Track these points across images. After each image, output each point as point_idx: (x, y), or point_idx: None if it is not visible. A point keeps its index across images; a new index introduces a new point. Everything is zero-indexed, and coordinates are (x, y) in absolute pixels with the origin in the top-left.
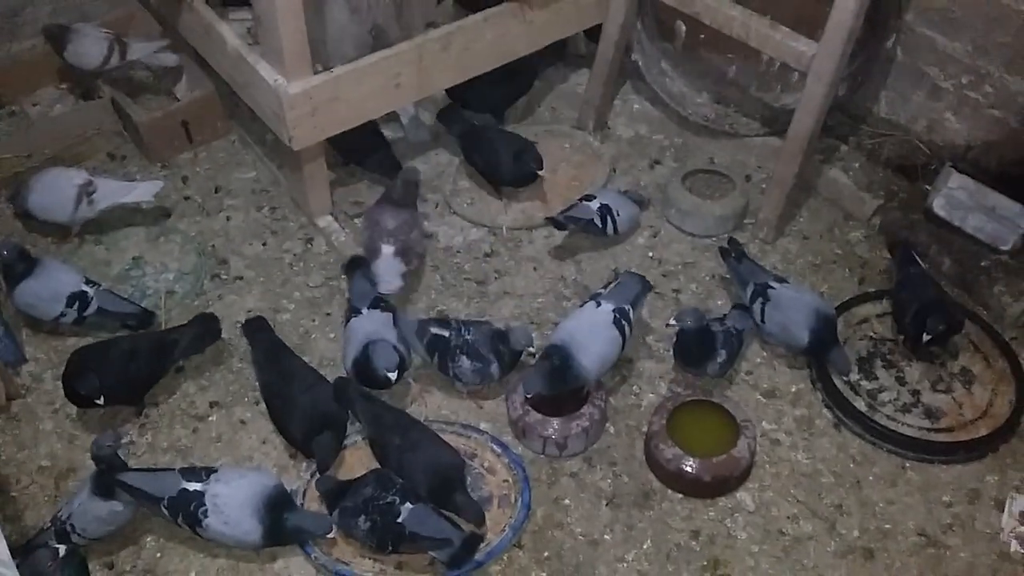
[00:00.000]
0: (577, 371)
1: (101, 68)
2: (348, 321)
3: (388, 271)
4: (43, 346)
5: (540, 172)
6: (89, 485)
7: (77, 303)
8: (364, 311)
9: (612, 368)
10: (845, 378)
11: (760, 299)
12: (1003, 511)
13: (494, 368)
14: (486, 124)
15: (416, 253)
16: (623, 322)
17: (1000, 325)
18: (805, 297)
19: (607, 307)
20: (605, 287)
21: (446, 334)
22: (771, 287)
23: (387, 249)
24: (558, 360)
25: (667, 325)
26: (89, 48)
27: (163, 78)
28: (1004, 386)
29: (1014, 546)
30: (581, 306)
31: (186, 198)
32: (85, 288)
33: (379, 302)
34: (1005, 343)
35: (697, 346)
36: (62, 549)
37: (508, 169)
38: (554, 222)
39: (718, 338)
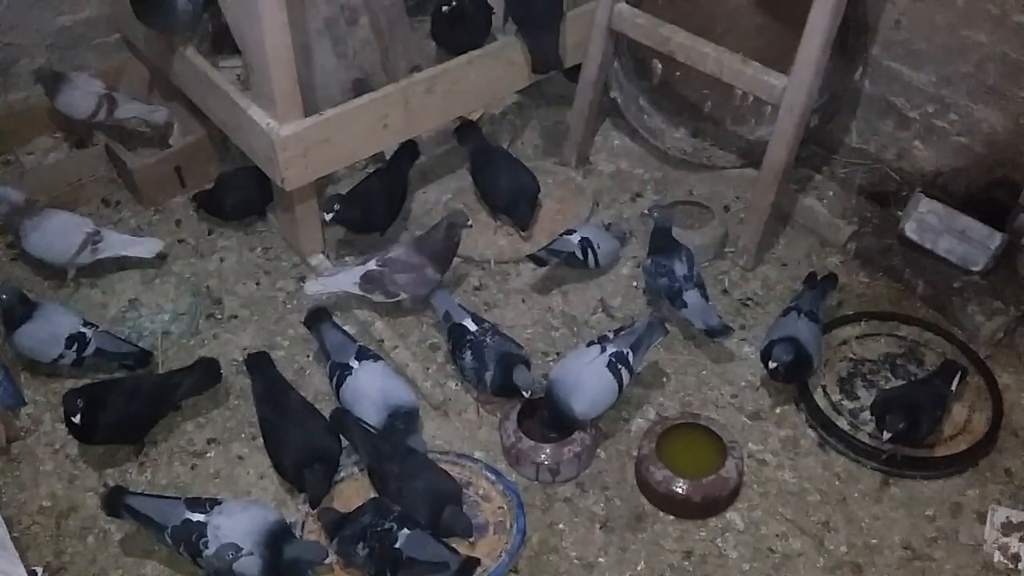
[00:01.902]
0: (570, 416)
1: (89, 121)
2: (340, 382)
3: (335, 280)
4: (42, 388)
5: (523, 233)
6: None
7: (76, 344)
8: (354, 364)
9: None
10: (773, 363)
11: (793, 312)
12: (985, 523)
13: (488, 376)
14: (499, 149)
15: (387, 292)
16: (619, 366)
17: (975, 344)
18: (799, 326)
19: (608, 351)
20: (617, 331)
21: (472, 328)
22: (802, 312)
23: (368, 264)
24: (554, 407)
25: (642, 213)
26: (79, 101)
27: (155, 130)
28: (981, 402)
29: (997, 556)
30: (588, 346)
31: (180, 241)
32: (83, 330)
33: (366, 352)
34: (980, 361)
35: (666, 244)
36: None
37: (504, 205)
38: (534, 259)
39: (685, 253)
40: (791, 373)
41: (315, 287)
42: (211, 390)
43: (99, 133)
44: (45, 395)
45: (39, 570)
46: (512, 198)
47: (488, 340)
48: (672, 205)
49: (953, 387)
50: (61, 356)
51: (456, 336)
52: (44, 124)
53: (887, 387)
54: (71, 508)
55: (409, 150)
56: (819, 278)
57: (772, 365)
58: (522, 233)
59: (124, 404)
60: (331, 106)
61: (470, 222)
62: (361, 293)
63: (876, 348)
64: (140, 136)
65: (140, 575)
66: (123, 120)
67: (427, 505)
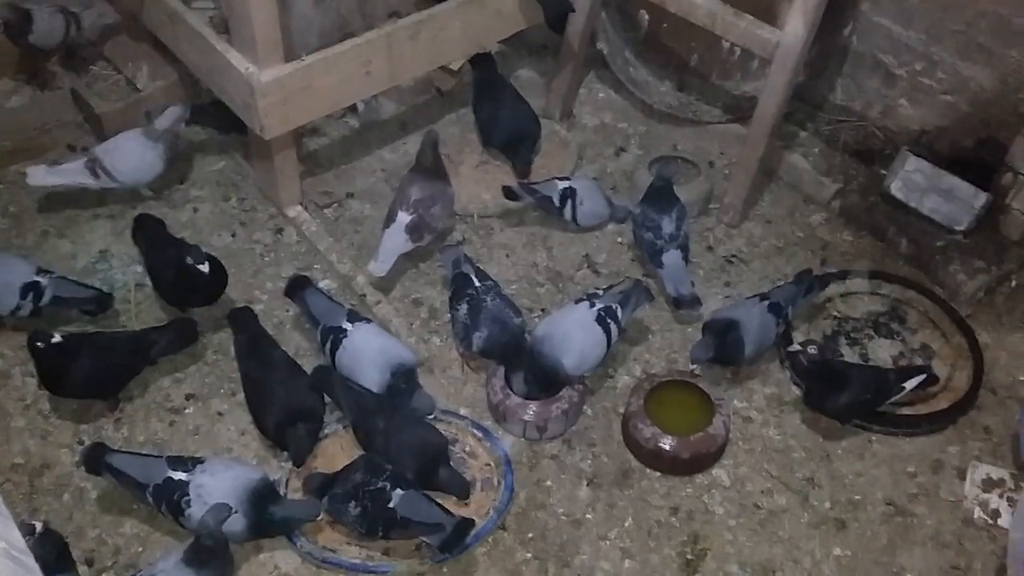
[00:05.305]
0: (560, 372)
1: (67, 41)
2: (335, 346)
3: (388, 250)
4: (8, 343)
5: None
6: (182, 555)
7: (31, 294)
8: (347, 327)
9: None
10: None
11: (757, 298)
12: (965, 480)
13: (476, 336)
14: (505, 83)
15: (431, 229)
16: (608, 320)
17: (956, 302)
18: (750, 311)
19: (597, 306)
20: (606, 289)
21: (475, 283)
22: (766, 300)
23: (402, 218)
24: (545, 367)
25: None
26: (52, 24)
27: (99, 40)
28: (962, 361)
29: (977, 512)
30: (576, 303)
31: (151, 190)
32: (37, 278)
33: (356, 315)
34: (962, 320)
35: (661, 197)
36: (39, 525)
37: (500, 140)
38: (507, 190)
39: (677, 211)
40: (720, 357)
41: (380, 267)
42: None
43: (61, 75)
44: (12, 349)
45: (37, 525)
46: (511, 138)
47: (488, 300)
48: (667, 159)
49: (906, 386)
50: (18, 307)
51: (459, 285)
52: (3, 65)
53: (845, 360)
54: (44, 465)
55: None
56: (813, 274)
57: (691, 363)
58: (520, 182)
59: (97, 358)
60: (307, 53)
61: (438, 138)
62: (414, 246)
63: (860, 306)
64: (88, 58)
65: (118, 533)
66: (91, 33)
67: (414, 459)
